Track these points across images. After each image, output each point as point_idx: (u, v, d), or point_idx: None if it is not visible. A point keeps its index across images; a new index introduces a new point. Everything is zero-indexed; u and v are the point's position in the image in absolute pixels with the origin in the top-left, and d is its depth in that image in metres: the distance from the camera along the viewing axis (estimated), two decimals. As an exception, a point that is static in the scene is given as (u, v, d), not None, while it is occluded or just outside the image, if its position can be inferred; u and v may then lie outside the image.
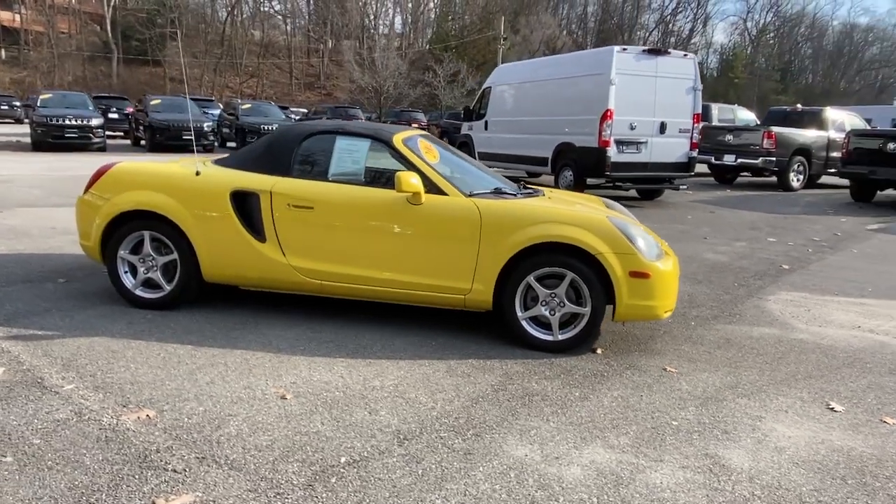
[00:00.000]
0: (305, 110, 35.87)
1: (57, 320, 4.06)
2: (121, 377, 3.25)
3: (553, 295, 3.84)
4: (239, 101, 26.51)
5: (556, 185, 11.52)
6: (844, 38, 68.82)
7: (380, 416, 2.97)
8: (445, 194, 3.99)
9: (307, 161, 4.26)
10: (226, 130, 21.76)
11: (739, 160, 13.86)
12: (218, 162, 4.51)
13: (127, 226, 4.25)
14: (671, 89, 10.91)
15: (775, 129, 13.77)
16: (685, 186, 11.89)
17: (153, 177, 4.29)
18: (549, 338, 3.87)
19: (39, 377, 3.20)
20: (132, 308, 4.32)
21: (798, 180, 14.20)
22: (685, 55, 11.17)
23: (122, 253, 4.30)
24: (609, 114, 10.45)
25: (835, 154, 14.03)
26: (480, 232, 3.87)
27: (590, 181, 11.22)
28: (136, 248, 4.30)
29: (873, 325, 4.74)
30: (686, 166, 11.31)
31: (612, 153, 10.58)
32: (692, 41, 68.57)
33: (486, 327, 4.24)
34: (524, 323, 3.89)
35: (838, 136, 14.09)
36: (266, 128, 18.07)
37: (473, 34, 50.09)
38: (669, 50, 11.09)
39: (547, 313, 3.86)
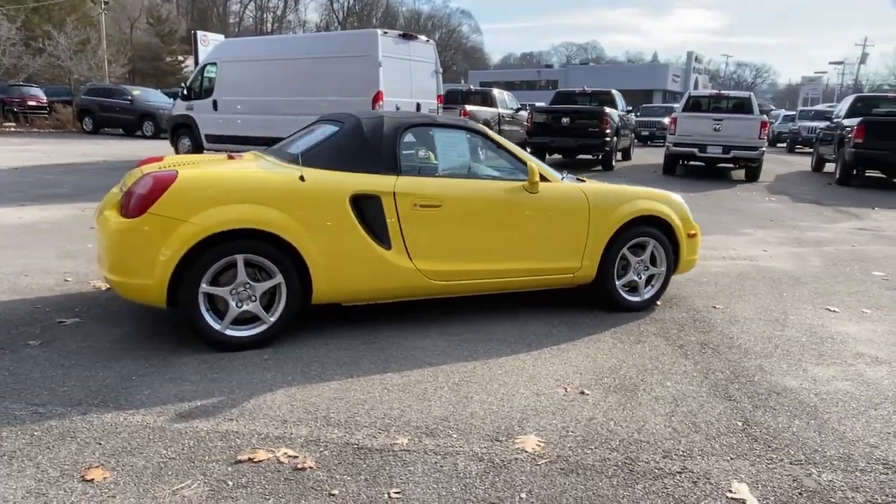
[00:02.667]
0: None
1: (196, 383, 3.07)
2: (386, 414, 2.82)
3: (640, 261, 4.48)
4: None
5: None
6: (411, 23, 78.88)
7: (651, 380, 3.28)
8: (549, 181, 4.23)
9: (412, 157, 3.97)
10: None
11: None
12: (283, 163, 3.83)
13: (211, 251, 3.36)
14: (421, 72, 11.85)
15: (469, 107, 15.90)
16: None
17: (248, 186, 3.46)
18: (638, 298, 4.51)
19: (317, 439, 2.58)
20: (220, 351, 3.47)
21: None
22: (427, 41, 12.17)
23: (206, 286, 3.39)
24: (380, 95, 10.86)
25: (505, 127, 16.89)
26: (589, 214, 4.25)
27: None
28: (216, 279, 3.44)
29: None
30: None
31: (386, 133, 11.04)
32: (286, 19, 70.37)
33: (558, 303, 4.63)
34: (620, 289, 4.45)
35: (504, 111, 17.00)
36: None
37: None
38: (417, 35, 11.94)
39: (636, 277, 4.48)
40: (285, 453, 2.48)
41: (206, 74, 12.96)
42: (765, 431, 2.80)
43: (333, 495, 2.24)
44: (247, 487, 2.26)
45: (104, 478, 2.28)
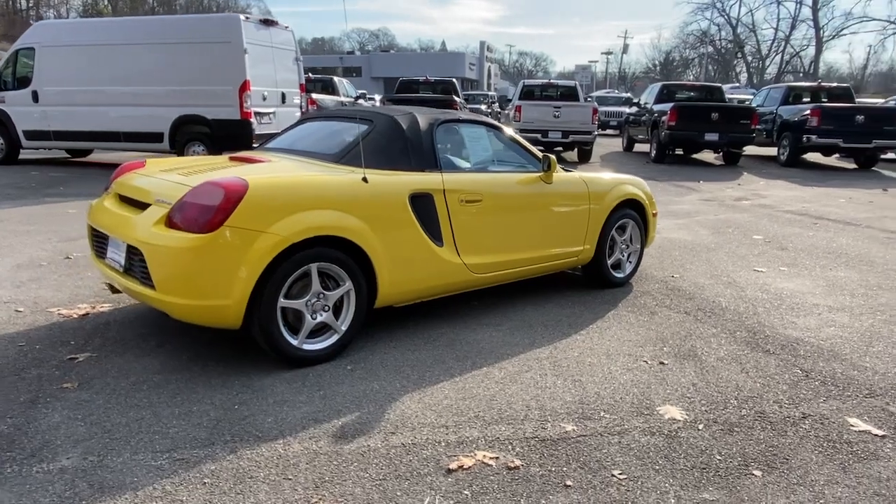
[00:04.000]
0: None
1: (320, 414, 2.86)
2: (527, 405, 2.94)
3: (624, 241, 4.93)
4: None
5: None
6: (192, 4, 73.52)
7: (697, 345, 3.73)
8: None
9: (446, 152, 3.97)
10: None
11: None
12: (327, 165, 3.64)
13: (288, 262, 3.15)
14: (284, 60, 11.40)
15: (315, 95, 15.55)
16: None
17: (319, 192, 3.26)
18: (622, 275, 4.97)
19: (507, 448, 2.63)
20: (294, 367, 3.27)
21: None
22: (287, 27, 11.67)
23: (283, 300, 3.17)
24: (247, 85, 10.29)
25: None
26: (589, 200, 4.59)
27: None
28: (287, 292, 3.24)
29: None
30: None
31: (256, 125, 10.52)
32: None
33: (547, 287, 4.93)
34: (610, 268, 4.87)
35: (346, 100, 16.94)
36: None
37: None
38: (276, 21, 11.40)
39: (621, 256, 4.93)
40: (484, 455, 2.50)
41: (20, 61, 11.19)
42: (822, 375, 3.36)
43: (568, 486, 2.33)
44: (487, 494, 2.27)
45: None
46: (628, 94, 31.43)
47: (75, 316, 3.99)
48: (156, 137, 10.76)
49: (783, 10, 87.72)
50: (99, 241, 3.63)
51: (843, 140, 13.72)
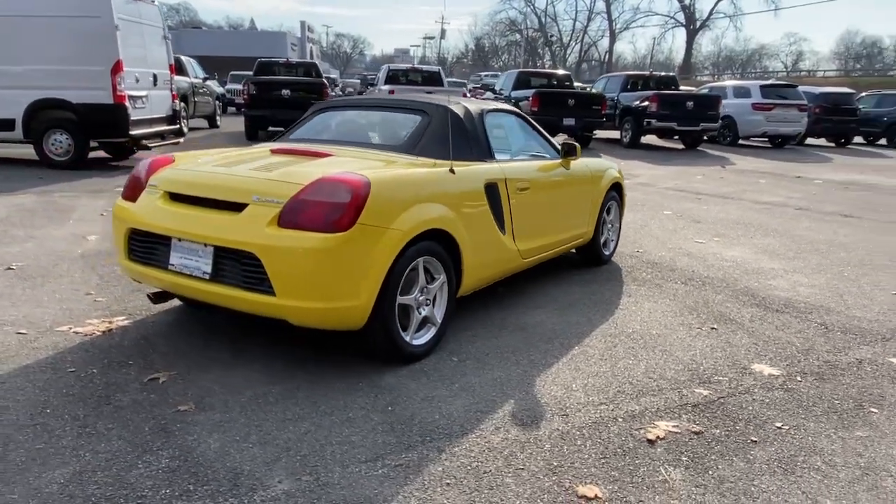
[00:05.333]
0: None
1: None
2: (649, 377, 3.20)
3: (611, 221, 5.33)
4: None
5: (45, 153, 9.36)
6: None
7: (724, 310, 4.22)
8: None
9: (494, 142, 4.03)
10: None
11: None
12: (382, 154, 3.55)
13: (404, 258, 3.08)
14: (153, 38, 10.41)
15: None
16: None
17: (425, 186, 3.20)
18: (608, 253, 5.37)
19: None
20: (400, 365, 3.22)
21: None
22: (153, 2, 10.60)
23: (400, 297, 3.10)
24: (120, 64, 9.27)
25: (198, 98, 15.79)
26: (592, 183, 4.90)
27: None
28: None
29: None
30: (173, 119, 11.09)
31: (131, 110, 9.52)
32: None
33: (541, 270, 5.20)
34: (601, 247, 5.24)
35: (196, 81, 15.81)
36: None
37: None
38: (142, -5, 10.25)
39: (608, 235, 5.33)
40: (666, 425, 2.70)
41: None
42: (836, 327, 3.98)
43: (755, 441, 2.61)
44: (704, 458, 2.48)
45: (596, 495, 2.23)
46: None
47: (98, 333, 3.50)
48: (5, 125, 9.28)
49: (581, 2, 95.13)
50: (149, 246, 3.23)
51: (677, 123, 15.53)
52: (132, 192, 3.42)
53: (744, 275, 5.10)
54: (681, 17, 63.95)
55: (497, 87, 18.37)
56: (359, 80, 28.60)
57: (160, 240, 3.18)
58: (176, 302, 3.91)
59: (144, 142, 10.10)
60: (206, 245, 2.99)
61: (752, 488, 2.29)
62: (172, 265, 3.11)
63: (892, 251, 6.09)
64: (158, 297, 3.51)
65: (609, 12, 64.43)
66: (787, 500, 2.23)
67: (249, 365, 3.16)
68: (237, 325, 3.65)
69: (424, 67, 16.64)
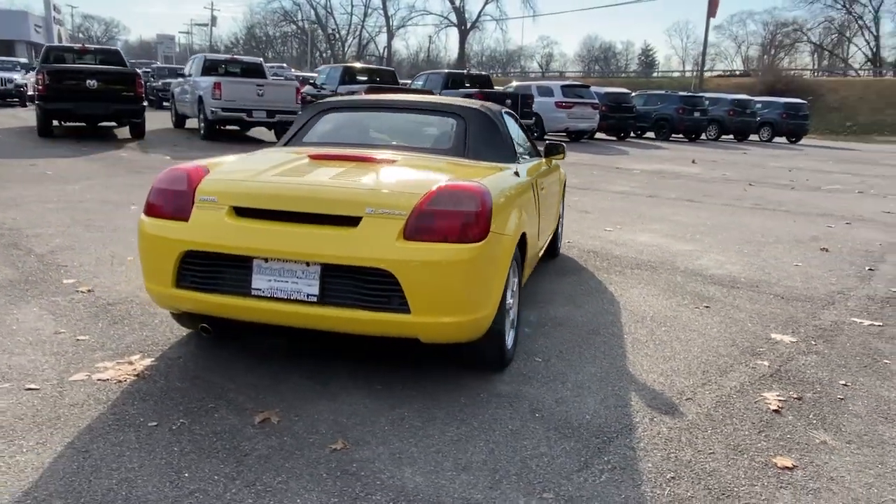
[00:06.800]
0: None
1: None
2: (704, 358, 3.55)
3: (562, 215, 5.65)
4: None
5: None
6: None
7: (720, 293, 4.75)
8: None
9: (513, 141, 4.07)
10: None
11: None
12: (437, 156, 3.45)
13: (512, 262, 3.06)
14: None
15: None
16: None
17: (510, 191, 3.20)
18: (559, 244, 5.70)
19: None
20: (496, 371, 3.20)
21: None
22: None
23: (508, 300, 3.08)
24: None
25: None
26: (560, 181, 5.16)
27: None
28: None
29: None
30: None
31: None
32: None
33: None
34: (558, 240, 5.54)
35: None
36: None
37: None
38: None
39: (560, 229, 5.64)
40: (770, 396, 3.03)
41: None
42: (789, 297, 4.69)
43: (841, 399, 3.05)
44: (826, 419, 2.84)
45: (793, 465, 2.47)
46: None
47: (131, 377, 2.94)
48: None
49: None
50: (215, 271, 2.79)
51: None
52: (174, 207, 2.90)
53: (674, 257, 5.73)
54: (454, 17, 67.48)
55: (318, 82, 17.91)
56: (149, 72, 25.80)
57: (234, 262, 2.77)
58: (175, 326, 3.43)
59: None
60: (308, 264, 2.68)
61: (884, 436, 2.70)
62: (258, 290, 2.73)
63: (758, 230, 7.24)
64: (206, 330, 3.04)
65: (385, 8, 65.80)
66: (911, 443, 2.67)
67: (351, 391, 2.89)
68: (276, 348, 3.30)
69: (246, 59, 15.66)
